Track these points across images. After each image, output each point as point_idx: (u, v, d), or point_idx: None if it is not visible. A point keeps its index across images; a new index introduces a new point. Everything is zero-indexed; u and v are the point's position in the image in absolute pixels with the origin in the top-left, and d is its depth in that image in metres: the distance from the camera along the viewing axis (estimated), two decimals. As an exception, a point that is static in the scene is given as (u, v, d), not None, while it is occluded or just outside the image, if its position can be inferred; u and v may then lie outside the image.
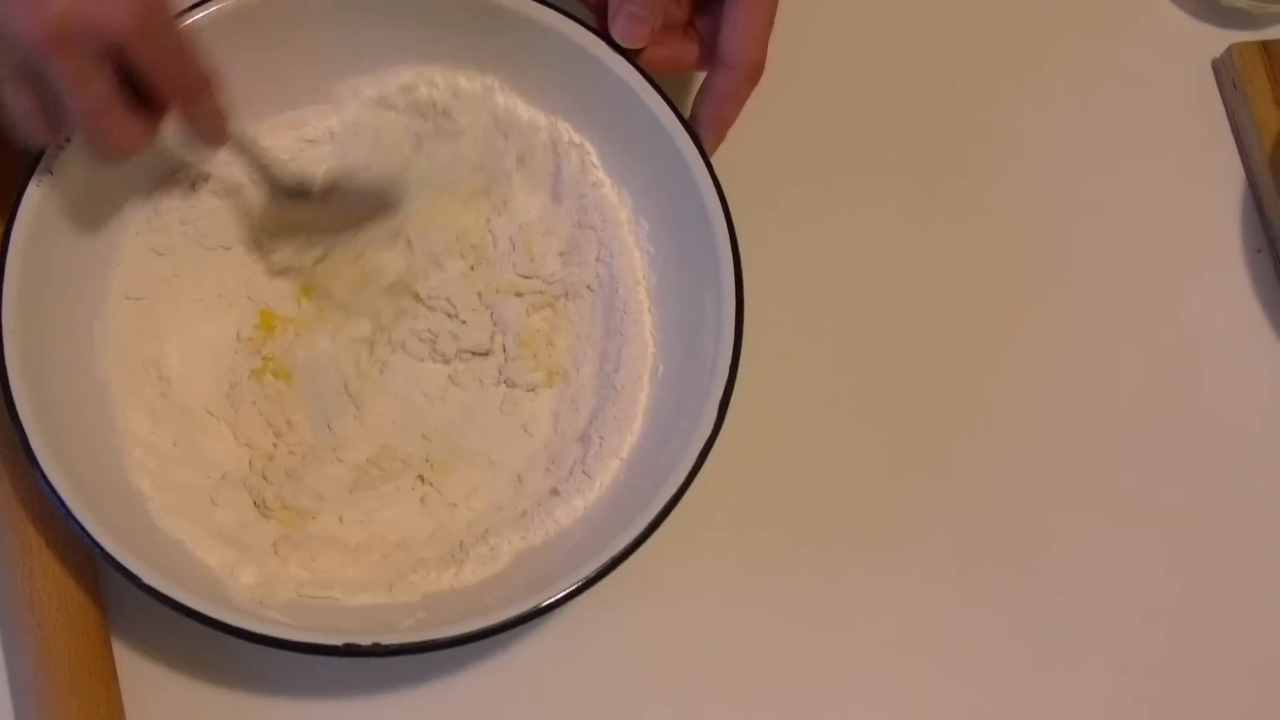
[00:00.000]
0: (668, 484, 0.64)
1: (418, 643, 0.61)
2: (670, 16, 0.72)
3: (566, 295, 0.75)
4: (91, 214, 0.69)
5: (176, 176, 0.73)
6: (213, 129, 0.66)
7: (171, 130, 0.64)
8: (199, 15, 0.68)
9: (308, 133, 0.75)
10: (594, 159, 0.74)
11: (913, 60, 0.86)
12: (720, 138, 0.70)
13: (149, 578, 0.61)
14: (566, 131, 0.74)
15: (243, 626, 0.61)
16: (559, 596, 0.62)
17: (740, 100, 0.70)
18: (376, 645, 0.61)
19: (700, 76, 0.72)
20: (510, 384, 0.74)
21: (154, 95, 0.61)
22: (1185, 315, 0.82)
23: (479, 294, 0.75)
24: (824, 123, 0.83)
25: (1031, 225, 0.83)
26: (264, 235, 0.74)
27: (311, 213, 0.73)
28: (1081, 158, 0.85)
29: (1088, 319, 0.81)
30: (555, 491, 0.70)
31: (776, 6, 0.69)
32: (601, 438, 0.71)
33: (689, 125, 0.69)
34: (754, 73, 0.69)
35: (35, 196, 0.65)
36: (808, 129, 0.82)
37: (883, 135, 0.84)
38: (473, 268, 0.75)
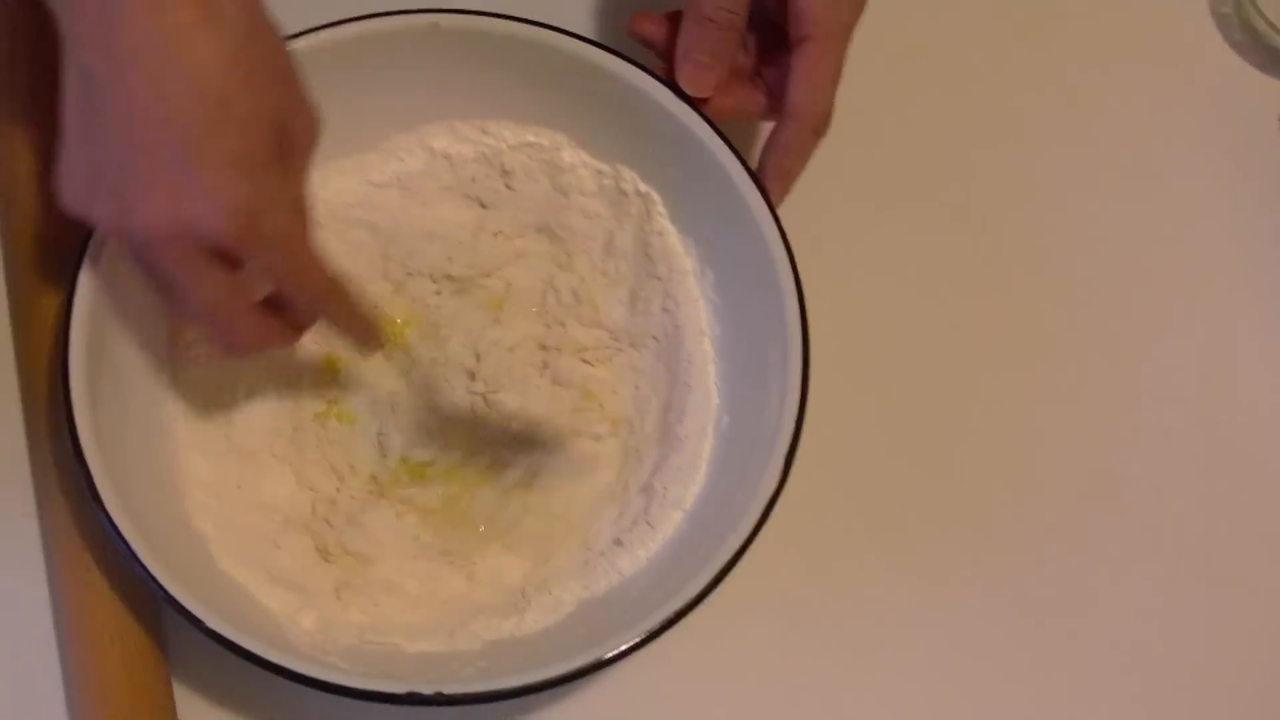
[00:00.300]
0: (732, 538, 0.63)
1: (480, 693, 0.61)
2: (737, 65, 0.71)
3: (632, 345, 0.75)
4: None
5: None
6: (358, 333, 0.66)
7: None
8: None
9: (375, 177, 0.75)
10: (660, 208, 0.74)
11: (968, 106, 0.85)
12: (787, 189, 0.70)
13: (212, 621, 0.61)
14: (633, 181, 0.74)
15: (305, 672, 0.60)
16: (622, 649, 0.62)
17: (807, 151, 0.69)
18: (439, 694, 0.61)
19: (768, 125, 0.72)
20: (575, 433, 0.73)
21: (280, 295, 0.61)
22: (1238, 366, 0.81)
23: (541, 352, 0.75)
24: (881, 166, 0.83)
25: (1088, 276, 0.82)
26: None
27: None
28: (1133, 201, 0.84)
29: (1143, 368, 0.81)
30: (618, 542, 0.70)
31: (844, 58, 0.69)
32: (665, 488, 0.70)
33: (755, 176, 0.69)
34: (821, 124, 0.69)
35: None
36: (865, 173, 0.82)
37: (939, 178, 0.83)
38: (545, 326, 0.75)
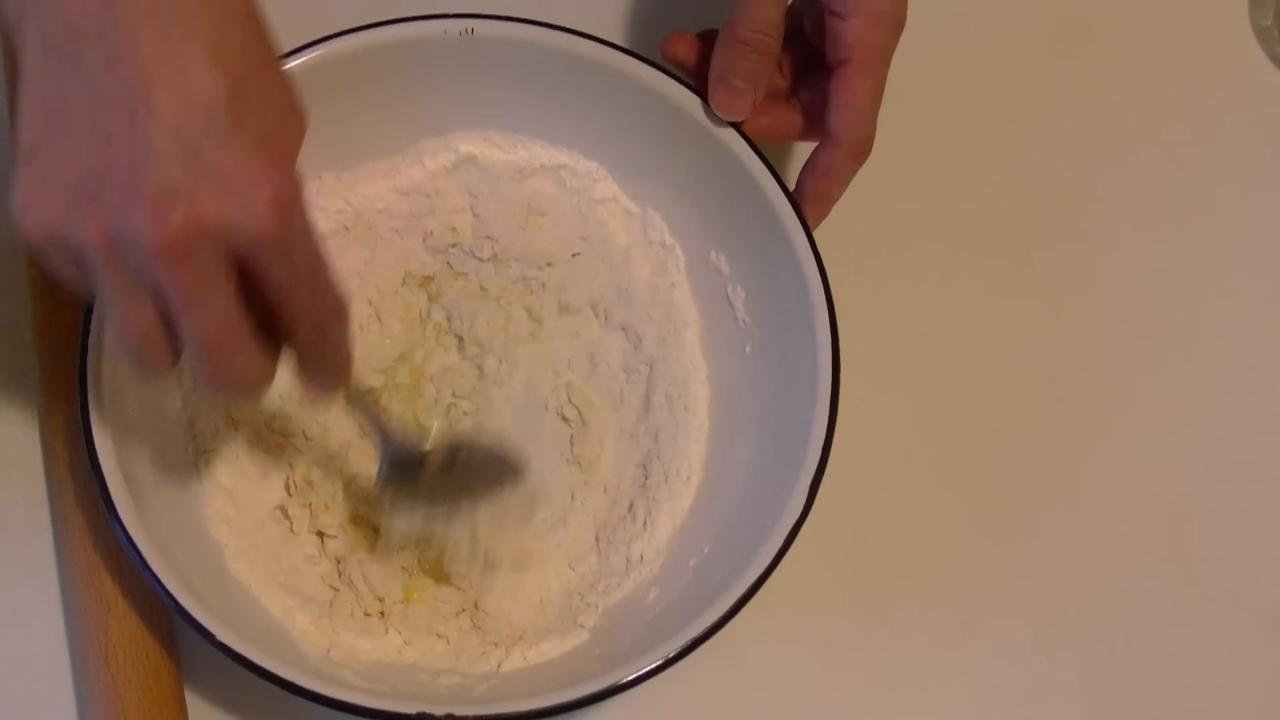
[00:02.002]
0: (754, 565, 0.62)
1: (493, 715, 0.60)
2: (772, 86, 0.71)
3: (664, 359, 0.74)
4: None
5: None
6: (333, 369, 0.58)
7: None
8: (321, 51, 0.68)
9: (401, 183, 0.75)
10: (679, 258, 0.75)
11: (1007, 125, 0.85)
12: (824, 213, 0.69)
13: (222, 635, 0.60)
14: (661, 231, 0.75)
15: (315, 689, 0.59)
16: (639, 674, 0.61)
17: (846, 176, 0.69)
18: (450, 716, 0.59)
19: (807, 145, 0.71)
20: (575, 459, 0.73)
21: (278, 316, 0.53)
22: (1276, 392, 0.80)
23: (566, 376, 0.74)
24: (918, 187, 0.82)
25: (1121, 300, 0.81)
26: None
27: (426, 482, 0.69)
28: (1174, 217, 0.84)
29: (1177, 394, 0.80)
30: (640, 559, 0.69)
31: (884, 82, 0.68)
32: (682, 506, 0.70)
33: (793, 198, 0.68)
34: (861, 148, 0.68)
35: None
36: (896, 199, 0.81)
37: (974, 208, 0.83)
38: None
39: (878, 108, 0.68)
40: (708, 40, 0.71)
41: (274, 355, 0.55)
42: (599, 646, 0.66)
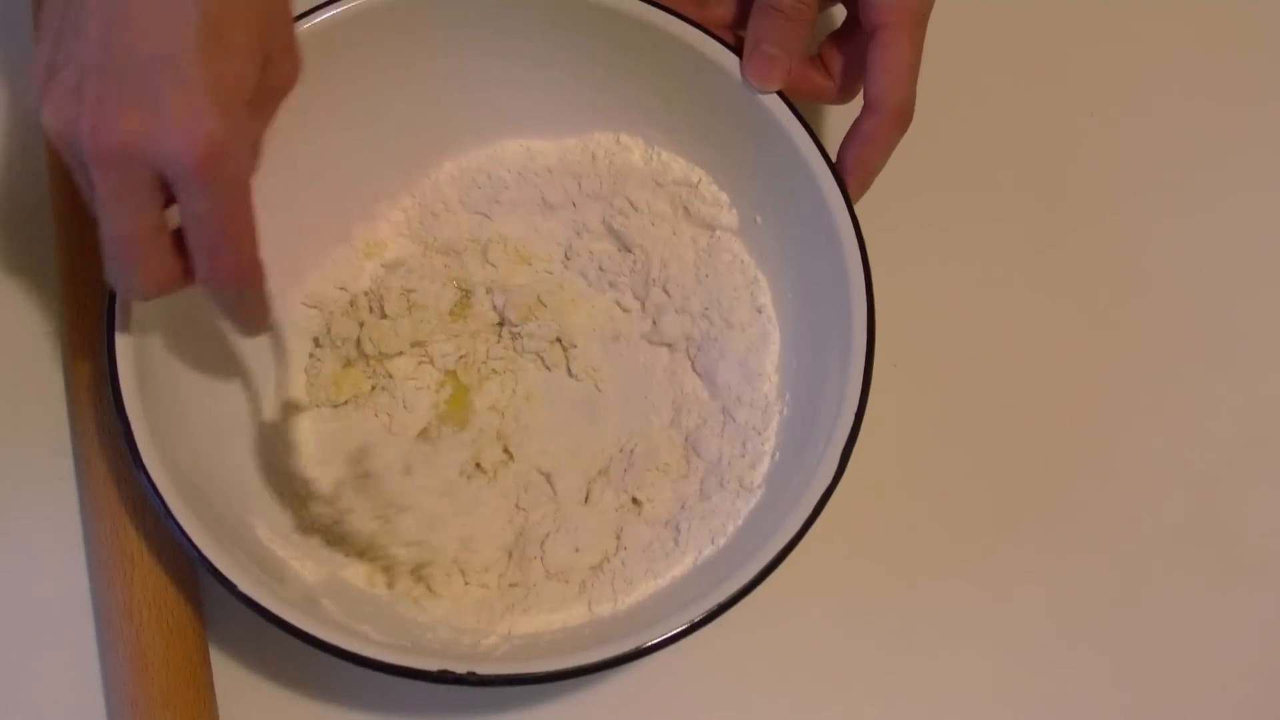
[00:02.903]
0: (782, 531, 0.61)
1: (515, 675, 0.59)
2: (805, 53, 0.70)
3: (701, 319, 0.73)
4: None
5: None
6: (249, 318, 0.61)
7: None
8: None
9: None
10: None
11: (1050, 100, 0.84)
12: (865, 184, 0.68)
13: (246, 587, 0.59)
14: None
15: (338, 645, 0.59)
16: (663, 638, 0.60)
17: (888, 145, 0.67)
18: (472, 674, 0.59)
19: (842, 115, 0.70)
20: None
21: (192, 247, 0.56)
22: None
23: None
24: (958, 161, 0.81)
25: (1154, 268, 0.81)
26: None
27: None
28: (1213, 203, 0.83)
29: (1208, 361, 0.79)
30: (674, 528, 0.69)
31: (921, 45, 0.67)
32: (721, 481, 0.69)
33: (834, 168, 0.67)
34: (902, 114, 0.67)
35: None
36: (942, 169, 0.80)
37: (1011, 177, 0.82)
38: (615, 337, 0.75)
39: (917, 72, 0.67)
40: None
41: (187, 273, 0.57)
42: (625, 611, 0.66)
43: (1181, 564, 0.75)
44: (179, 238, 0.56)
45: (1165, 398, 0.78)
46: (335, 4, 0.67)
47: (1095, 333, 0.79)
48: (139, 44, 0.51)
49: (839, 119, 0.74)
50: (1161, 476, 0.76)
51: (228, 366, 0.69)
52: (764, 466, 0.68)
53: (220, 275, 0.56)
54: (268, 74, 0.55)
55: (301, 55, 0.58)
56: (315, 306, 0.73)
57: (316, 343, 0.73)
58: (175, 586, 0.67)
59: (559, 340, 0.74)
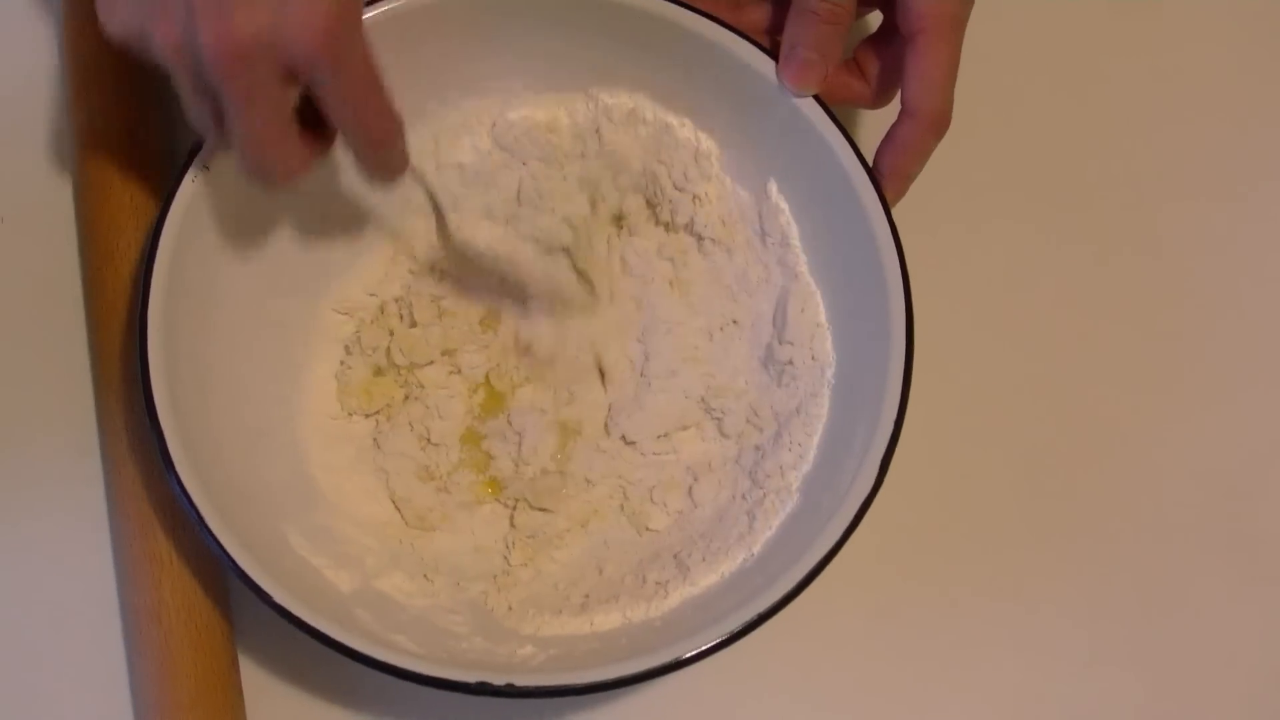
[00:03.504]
0: (818, 544, 0.61)
1: (554, 686, 0.59)
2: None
3: (735, 322, 0.73)
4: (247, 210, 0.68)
5: None
6: (389, 167, 0.63)
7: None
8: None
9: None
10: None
11: (1089, 107, 0.84)
12: (902, 191, 0.68)
13: (281, 597, 0.59)
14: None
15: (373, 655, 0.59)
16: (701, 650, 0.60)
17: (924, 151, 0.67)
18: (511, 686, 0.59)
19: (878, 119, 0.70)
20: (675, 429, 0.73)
21: (329, 122, 0.59)
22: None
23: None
24: (984, 167, 0.81)
25: (1184, 276, 0.80)
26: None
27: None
28: (1243, 208, 0.82)
29: (1237, 370, 0.79)
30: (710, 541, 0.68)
31: (959, 52, 0.66)
32: (763, 493, 0.69)
33: (872, 174, 0.66)
34: (939, 121, 0.66)
35: (189, 189, 0.64)
36: (981, 176, 0.80)
37: (1058, 184, 0.81)
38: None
39: (954, 78, 0.66)
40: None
41: (318, 151, 0.60)
42: (660, 619, 0.65)
43: (1211, 578, 0.75)
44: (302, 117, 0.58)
45: (1198, 408, 0.78)
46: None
47: (1128, 341, 0.78)
48: None
49: (874, 121, 0.73)
50: (1194, 488, 0.76)
51: (257, 371, 0.69)
52: (801, 471, 0.68)
53: (365, 139, 0.59)
54: None
55: None
56: (346, 313, 0.73)
57: (347, 350, 0.72)
58: (203, 590, 0.67)
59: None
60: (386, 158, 0.62)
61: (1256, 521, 0.76)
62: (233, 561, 0.59)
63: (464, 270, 0.73)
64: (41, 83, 0.77)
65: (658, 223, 0.74)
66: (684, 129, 0.72)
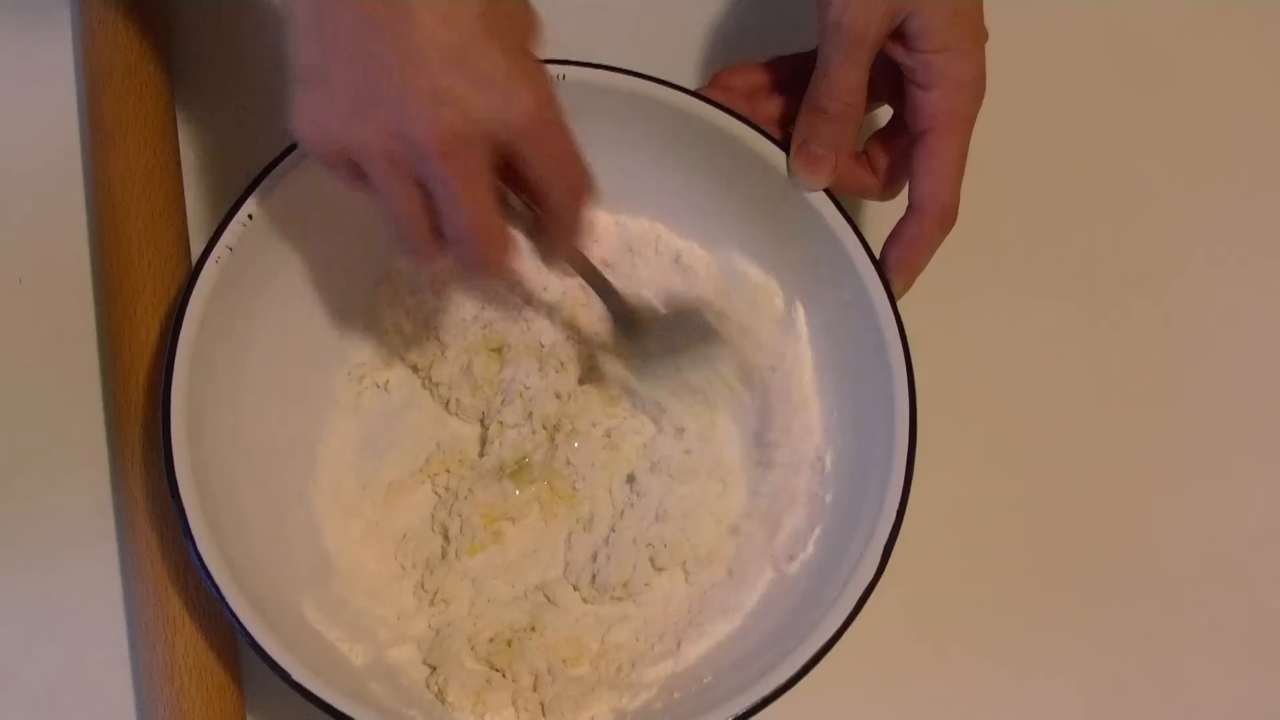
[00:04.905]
0: (822, 627, 0.63)
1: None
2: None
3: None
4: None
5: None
6: (572, 230, 0.64)
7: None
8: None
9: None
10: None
11: (1082, 173, 0.85)
12: (909, 283, 0.69)
13: (299, 675, 0.60)
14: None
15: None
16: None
17: (931, 246, 0.68)
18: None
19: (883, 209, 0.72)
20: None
21: (534, 195, 0.61)
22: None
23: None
24: (987, 231, 0.81)
25: (1191, 346, 0.82)
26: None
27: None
28: (1249, 276, 0.83)
29: (1246, 441, 0.80)
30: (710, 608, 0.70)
31: (967, 150, 0.68)
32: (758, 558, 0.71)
33: (879, 266, 0.68)
34: (947, 217, 0.68)
35: (213, 270, 0.65)
36: (971, 236, 0.78)
37: (1046, 249, 0.83)
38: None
39: (961, 175, 0.68)
40: (770, 77, 0.73)
41: (511, 239, 0.62)
42: (660, 703, 0.67)
43: (1216, 654, 0.76)
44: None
45: (1202, 484, 0.79)
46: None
47: (1133, 417, 0.80)
48: (436, 38, 0.54)
49: (876, 208, 0.75)
50: (1199, 564, 0.77)
51: (276, 443, 0.70)
52: (803, 555, 0.69)
53: (569, 196, 0.61)
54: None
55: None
56: (360, 378, 0.74)
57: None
58: (215, 652, 0.68)
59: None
60: (578, 220, 0.63)
61: (1261, 598, 0.77)
62: (252, 639, 0.60)
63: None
64: (62, 143, 0.78)
65: None
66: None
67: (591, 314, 0.74)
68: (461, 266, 0.61)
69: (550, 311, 0.74)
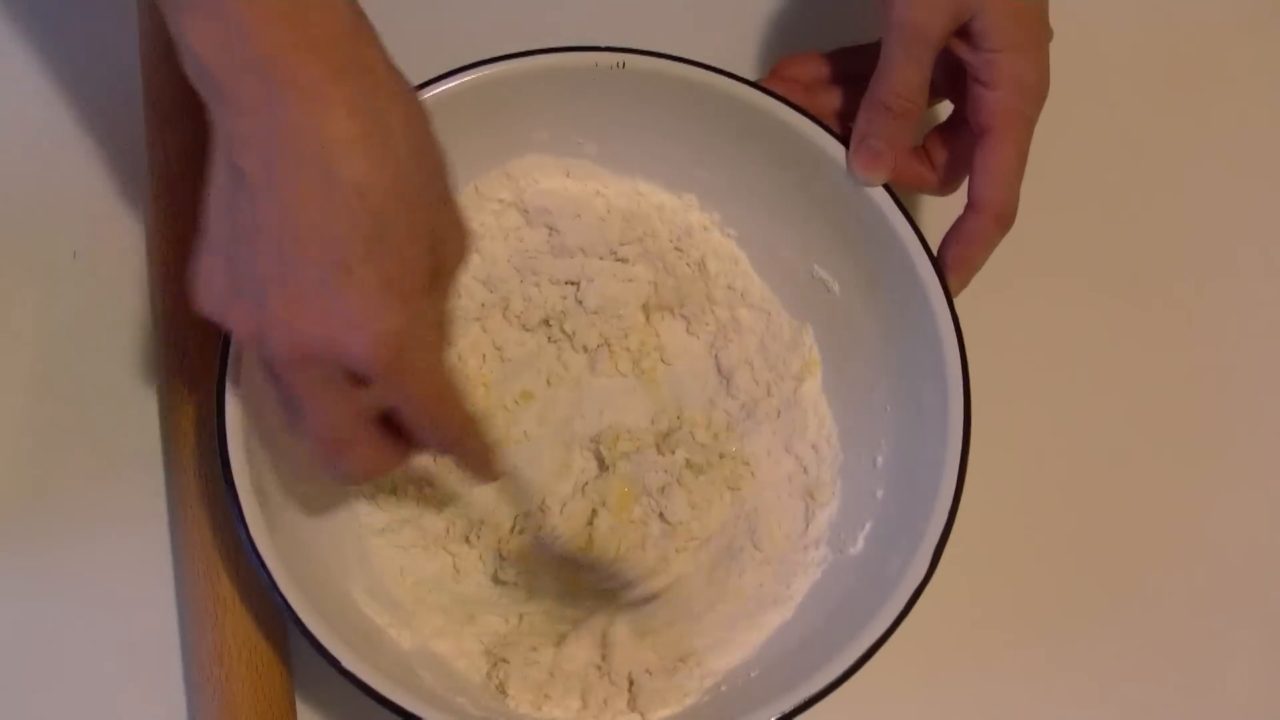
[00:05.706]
0: (868, 631, 0.62)
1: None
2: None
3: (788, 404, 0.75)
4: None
5: None
6: (477, 467, 0.63)
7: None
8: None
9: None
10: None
11: (1135, 170, 0.85)
12: (967, 280, 0.69)
13: (348, 662, 0.60)
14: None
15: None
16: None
17: (989, 244, 0.68)
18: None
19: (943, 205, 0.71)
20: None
21: (406, 430, 0.59)
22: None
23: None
24: (1044, 224, 0.79)
25: (1244, 347, 0.82)
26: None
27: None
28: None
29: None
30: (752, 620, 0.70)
31: (1027, 149, 0.68)
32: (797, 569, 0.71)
33: (936, 262, 0.68)
34: (1005, 216, 0.67)
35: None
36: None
37: (1101, 243, 0.83)
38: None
39: (1021, 175, 0.68)
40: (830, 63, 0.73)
41: (405, 451, 0.60)
42: (710, 707, 0.67)
43: (1257, 664, 0.75)
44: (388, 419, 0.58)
45: (1257, 483, 0.79)
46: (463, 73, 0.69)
47: (1176, 423, 0.79)
48: (312, 254, 0.52)
49: (937, 204, 0.74)
50: (1244, 572, 0.77)
51: None
52: (853, 550, 0.70)
53: (438, 445, 0.60)
54: (438, 255, 0.56)
55: (469, 227, 0.58)
56: None
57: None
58: (264, 634, 0.68)
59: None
60: (468, 455, 0.62)
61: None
62: (304, 625, 0.60)
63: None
64: (121, 120, 0.78)
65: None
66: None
67: None
68: (316, 467, 0.59)
69: None
